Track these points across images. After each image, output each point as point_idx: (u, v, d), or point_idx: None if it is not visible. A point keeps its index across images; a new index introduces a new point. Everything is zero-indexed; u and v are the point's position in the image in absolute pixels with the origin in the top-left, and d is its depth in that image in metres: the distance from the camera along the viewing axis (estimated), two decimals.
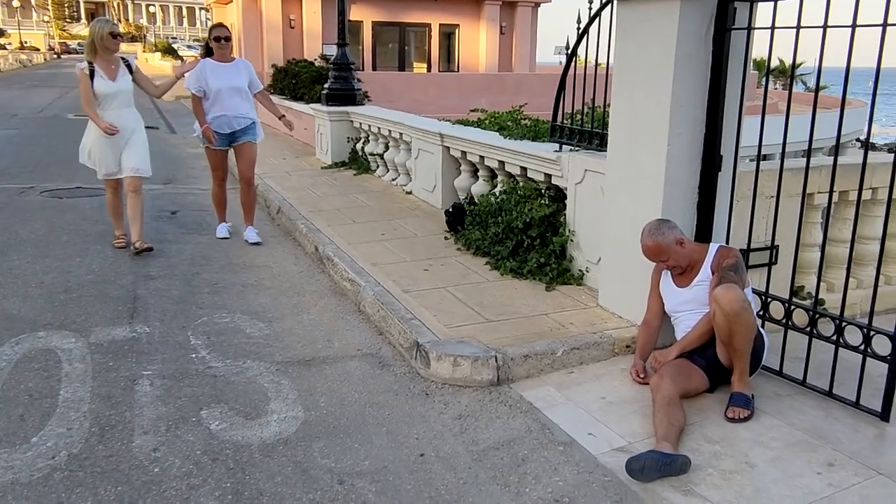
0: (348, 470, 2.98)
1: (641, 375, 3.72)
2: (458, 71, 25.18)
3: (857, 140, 27.46)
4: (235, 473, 2.93)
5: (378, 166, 9.05)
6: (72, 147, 6.38)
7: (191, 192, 8.78)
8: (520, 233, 5.19)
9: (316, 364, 4.01)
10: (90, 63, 5.67)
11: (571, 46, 4.96)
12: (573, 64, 4.95)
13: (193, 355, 4.04)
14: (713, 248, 3.72)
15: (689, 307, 3.71)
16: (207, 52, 6.23)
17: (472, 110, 7.97)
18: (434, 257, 5.54)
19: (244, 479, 2.89)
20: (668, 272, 3.80)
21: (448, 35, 25.46)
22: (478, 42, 25.42)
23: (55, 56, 57.50)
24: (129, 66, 5.92)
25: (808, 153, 3.52)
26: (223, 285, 5.25)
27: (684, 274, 3.74)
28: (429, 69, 25.26)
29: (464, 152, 6.59)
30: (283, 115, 6.67)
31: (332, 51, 11.28)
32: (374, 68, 23.84)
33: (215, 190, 6.65)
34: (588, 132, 4.89)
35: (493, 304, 4.53)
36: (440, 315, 4.33)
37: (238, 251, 6.22)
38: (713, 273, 3.62)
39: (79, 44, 72.79)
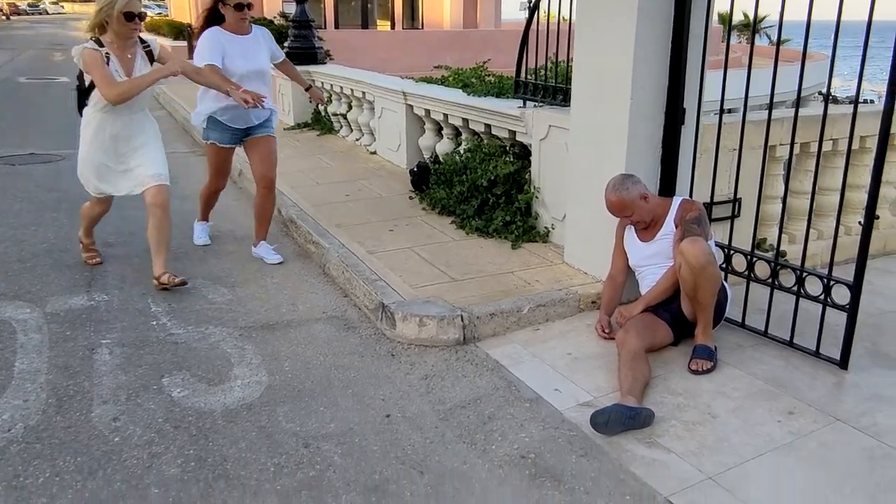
0: (314, 433, 2.96)
1: (607, 331, 3.74)
2: (422, 28, 24.81)
3: (820, 93, 27.72)
4: (198, 440, 2.89)
5: (342, 126, 8.90)
6: (25, 112, 6.12)
7: None
8: (485, 191, 5.15)
9: (280, 328, 3.96)
10: (97, 42, 4.14)
11: (534, 0, 4.87)
12: (536, 18, 4.87)
13: (154, 322, 3.96)
14: (676, 201, 3.72)
15: (653, 261, 3.72)
16: (212, 19, 4.64)
17: (435, 67, 7.84)
18: (399, 217, 5.48)
19: (207, 446, 2.85)
20: (632, 227, 3.80)
21: None
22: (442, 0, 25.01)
23: (4, 17, 55.40)
24: (150, 56, 4.41)
25: (770, 106, 3.52)
26: (185, 251, 5.15)
27: (648, 228, 3.74)
28: (392, 27, 24.84)
29: (427, 110, 6.50)
30: (311, 86, 5.35)
31: (292, 9, 10.99)
32: (336, 26, 23.36)
33: (207, 191, 5.25)
34: (552, 87, 4.83)
35: (459, 264, 4.50)
36: (406, 275, 4.30)
37: None
38: (676, 227, 3.62)
39: (30, 4, 70.07)
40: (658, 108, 3.88)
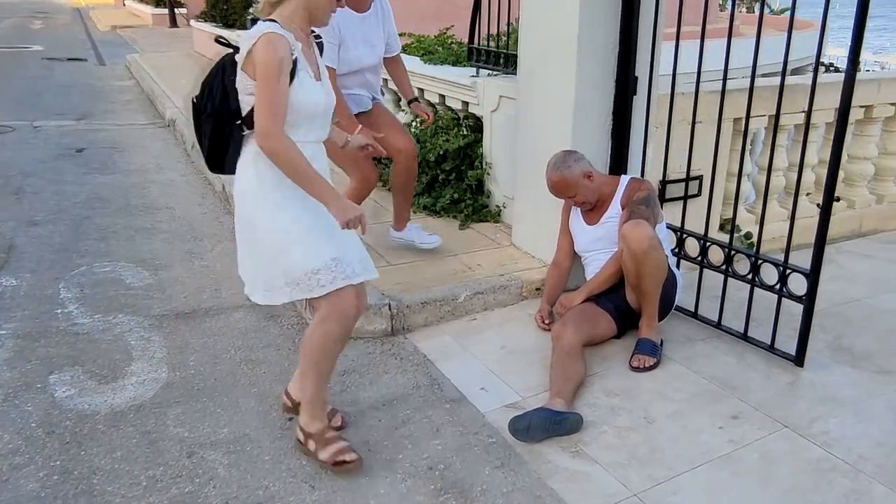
0: (202, 440, 2.66)
1: (547, 321, 3.43)
2: None
3: (822, 63, 27.16)
4: (69, 449, 2.59)
5: None
6: None
7: (104, 128, 8.18)
8: (434, 167, 4.80)
9: (197, 316, 3.65)
10: (276, 34, 2.20)
11: None
12: None
13: (59, 311, 3.65)
14: (624, 180, 3.38)
15: (599, 246, 3.39)
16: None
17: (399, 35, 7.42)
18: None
19: (78, 455, 2.55)
20: (578, 209, 3.48)
21: None
22: None
23: None
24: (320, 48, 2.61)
25: (725, 76, 3.16)
26: (114, 230, 4.82)
27: (594, 210, 3.41)
28: None
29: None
30: (416, 99, 4.08)
31: None
32: None
33: (359, 189, 3.84)
34: (504, 54, 4.47)
35: (399, 246, 4.17)
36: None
37: (141, 191, 5.76)
38: (623, 208, 3.29)
39: None
40: (608, 76, 3.53)
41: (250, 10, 9.33)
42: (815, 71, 2.85)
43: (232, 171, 2.41)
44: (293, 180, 2.28)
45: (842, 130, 2.72)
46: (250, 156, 2.35)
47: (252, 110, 2.25)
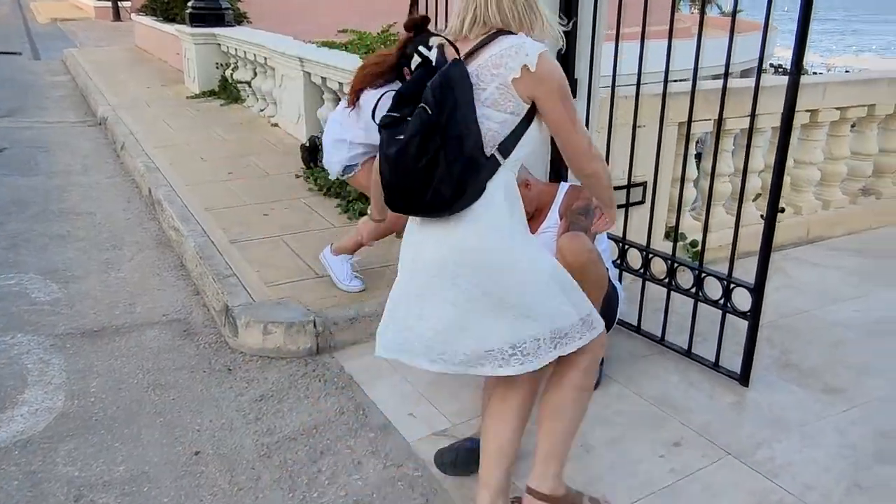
0: (94, 480, 2.39)
1: None
2: None
3: (771, 65, 27.54)
4: None
5: (248, 95, 8.19)
6: None
7: (31, 126, 7.75)
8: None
9: (106, 335, 3.35)
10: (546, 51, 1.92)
11: None
12: None
13: None
14: (563, 187, 3.19)
15: None
16: (399, 67, 3.15)
17: (340, 31, 7.16)
18: (280, 199, 4.88)
19: None
20: None
21: None
22: None
23: None
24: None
25: (666, 78, 3.00)
26: (27, 237, 4.48)
27: (531, 220, 3.21)
28: None
29: (324, 78, 5.86)
30: None
31: None
32: None
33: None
34: None
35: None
36: (264, 270, 3.72)
37: (62, 195, 5.40)
38: (562, 218, 3.10)
39: None
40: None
41: (189, 4, 8.98)
42: (759, 74, 2.69)
43: (461, 208, 1.88)
44: (607, 196, 2.16)
45: (786, 138, 2.58)
46: (501, 187, 1.92)
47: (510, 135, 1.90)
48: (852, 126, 4.63)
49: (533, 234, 3.15)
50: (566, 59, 3.27)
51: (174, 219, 4.48)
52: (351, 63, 5.33)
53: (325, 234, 4.23)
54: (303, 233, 4.27)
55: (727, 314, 2.90)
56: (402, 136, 1.81)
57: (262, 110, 7.66)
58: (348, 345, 3.26)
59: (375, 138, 2.39)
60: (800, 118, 4.25)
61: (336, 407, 2.83)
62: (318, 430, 2.68)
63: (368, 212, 3.46)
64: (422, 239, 1.97)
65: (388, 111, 1.89)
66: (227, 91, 8.51)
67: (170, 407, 2.82)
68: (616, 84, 3.19)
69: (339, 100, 5.76)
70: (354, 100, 3.36)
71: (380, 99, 2.18)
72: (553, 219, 3.12)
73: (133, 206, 5.21)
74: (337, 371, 3.08)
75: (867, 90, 4.46)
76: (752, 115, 2.71)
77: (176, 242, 4.38)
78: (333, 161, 3.56)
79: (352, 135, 3.43)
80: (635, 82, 3.12)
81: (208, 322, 3.51)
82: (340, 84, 5.53)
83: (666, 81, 2.97)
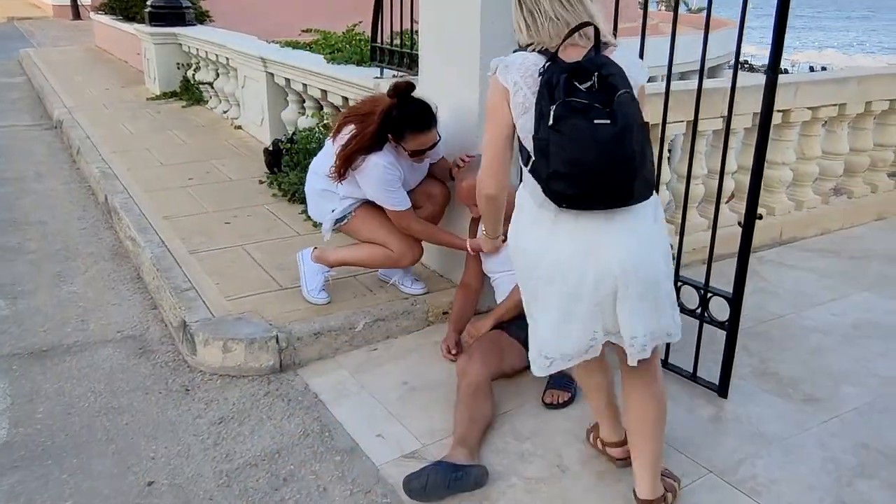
0: None
1: (454, 352, 3.10)
2: None
3: (744, 63, 27.73)
4: None
5: (211, 97, 7.98)
6: None
7: None
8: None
9: (55, 354, 3.17)
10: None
11: None
12: None
13: None
14: None
15: (508, 267, 3.07)
16: (381, 133, 3.07)
17: (304, 30, 6.99)
18: (243, 206, 4.71)
19: None
20: None
21: None
22: None
23: None
24: None
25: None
26: None
27: (505, 225, 3.10)
28: None
29: (288, 80, 5.69)
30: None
31: None
32: None
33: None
34: (409, 54, 4.12)
35: (296, 265, 3.78)
36: (225, 283, 3.56)
37: (14, 202, 5.18)
38: None
39: None
40: None
41: (148, 3, 8.72)
42: (735, 73, 2.60)
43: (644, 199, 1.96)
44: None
45: (763, 140, 2.50)
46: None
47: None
48: (822, 125, 4.59)
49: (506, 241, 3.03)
50: None
51: (131, 228, 4.29)
52: (316, 63, 5.19)
53: (289, 243, 4.08)
54: (265, 241, 4.11)
55: (704, 324, 2.81)
56: (604, 122, 1.80)
57: (225, 112, 7.46)
58: (313, 360, 3.13)
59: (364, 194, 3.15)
60: (773, 118, 4.18)
61: (300, 428, 2.69)
62: (280, 455, 2.54)
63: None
64: (597, 240, 1.94)
65: (566, 96, 1.81)
66: (189, 92, 8.28)
67: (122, 433, 2.65)
68: None
69: (304, 101, 5.61)
70: (343, 169, 3.12)
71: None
72: None
73: (88, 215, 5.00)
74: (301, 389, 2.94)
75: (838, 89, 4.42)
76: (729, 115, 2.63)
77: (133, 253, 4.20)
78: (325, 214, 3.34)
79: (344, 190, 3.25)
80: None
81: (166, 338, 3.34)
82: (305, 85, 5.38)
83: None
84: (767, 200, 4.46)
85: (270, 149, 5.27)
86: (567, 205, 1.89)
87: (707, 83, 3.36)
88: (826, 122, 4.57)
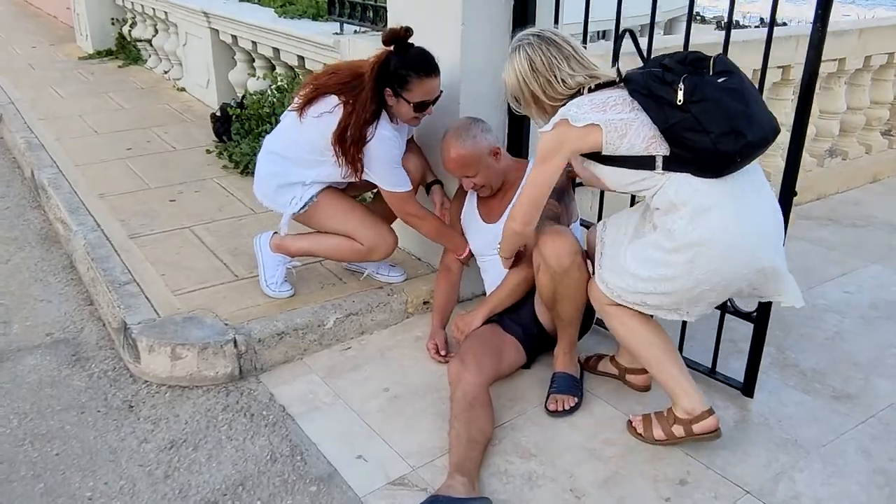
0: None
1: (442, 353, 2.73)
2: None
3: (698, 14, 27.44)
4: None
5: (150, 55, 7.33)
6: None
7: None
8: None
9: None
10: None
11: None
12: None
13: None
14: (530, 166, 2.70)
15: (496, 250, 2.70)
16: (378, 88, 2.60)
17: None
18: (189, 181, 4.21)
19: None
20: (473, 198, 2.77)
21: None
22: None
23: None
24: None
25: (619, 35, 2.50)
26: None
27: (494, 199, 2.71)
28: None
29: (234, 37, 5.14)
30: (438, 182, 2.98)
31: None
32: None
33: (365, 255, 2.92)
34: (373, 6, 3.64)
35: (253, 250, 3.33)
36: (171, 273, 3.10)
37: None
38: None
39: None
40: (501, 36, 2.81)
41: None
42: (771, 29, 2.23)
43: None
44: None
45: (805, 107, 2.15)
46: None
47: None
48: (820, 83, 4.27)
49: (496, 219, 2.68)
50: (524, 9, 2.76)
51: (61, 208, 3.78)
52: (265, 19, 4.66)
53: (243, 223, 3.63)
54: (217, 222, 3.65)
55: (726, 314, 2.48)
56: (722, 77, 1.94)
57: (166, 72, 6.85)
58: (277, 364, 2.72)
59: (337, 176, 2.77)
60: (772, 75, 3.86)
61: (267, 451, 2.30)
62: (245, 487, 2.15)
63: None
64: (733, 216, 1.97)
65: (677, 76, 1.94)
66: (126, 51, 7.61)
67: (52, 466, 2.22)
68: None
69: (254, 60, 5.10)
70: (356, 157, 2.64)
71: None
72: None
73: (13, 193, 4.45)
74: (265, 401, 2.54)
75: (838, 43, 4.09)
76: (764, 71, 2.28)
77: (64, 238, 3.70)
78: (282, 205, 2.86)
79: (315, 174, 2.78)
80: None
81: (104, 342, 2.89)
82: (254, 44, 4.85)
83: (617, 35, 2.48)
84: (763, 164, 4.14)
85: (218, 114, 4.76)
86: (743, 158, 1.91)
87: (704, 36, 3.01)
88: (823, 78, 4.26)
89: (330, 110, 2.63)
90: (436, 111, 2.81)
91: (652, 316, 2.23)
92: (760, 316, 2.39)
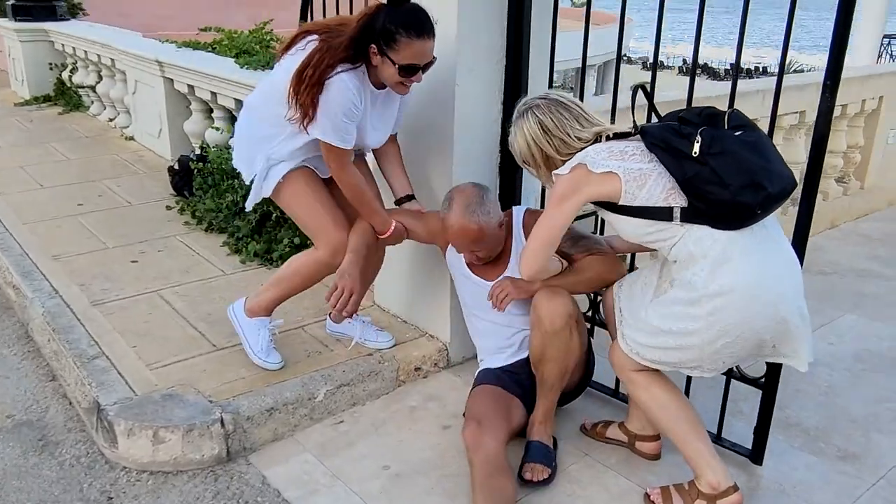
0: None
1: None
2: None
3: (627, 56, 28.23)
4: None
5: (93, 102, 7.06)
6: None
7: None
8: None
9: None
10: None
11: None
12: None
13: None
14: (517, 215, 2.61)
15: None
16: (360, 42, 2.33)
17: (201, 30, 6.25)
18: (150, 238, 4.00)
19: None
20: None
21: None
22: None
23: None
24: None
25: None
26: None
27: (491, 262, 2.60)
28: None
29: (191, 86, 4.98)
30: (412, 197, 2.74)
31: None
32: None
33: (318, 264, 2.68)
34: None
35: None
36: (143, 345, 2.91)
37: None
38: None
39: None
40: (494, 95, 2.77)
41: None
42: (780, 78, 2.26)
43: None
44: None
45: (815, 170, 2.17)
46: None
47: None
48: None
49: (494, 276, 2.57)
50: (518, 71, 2.73)
51: (12, 272, 3.53)
52: (227, 69, 4.54)
53: (214, 286, 3.45)
54: (185, 284, 3.46)
55: (732, 380, 2.46)
56: (737, 131, 1.95)
57: (111, 120, 6.59)
58: (267, 443, 2.56)
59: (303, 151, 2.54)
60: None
61: None
62: None
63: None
64: (754, 266, 1.96)
65: (694, 129, 1.95)
66: (66, 96, 7.32)
67: None
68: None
69: (212, 111, 4.94)
70: (309, 97, 2.31)
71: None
72: (518, 251, 2.52)
73: None
74: (258, 485, 2.37)
75: (799, 96, 4.23)
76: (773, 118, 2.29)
77: (18, 305, 3.44)
78: (253, 166, 2.59)
79: (278, 150, 2.51)
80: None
81: (73, 423, 2.67)
82: (214, 94, 4.70)
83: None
84: None
85: (177, 167, 4.57)
86: (763, 210, 1.91)
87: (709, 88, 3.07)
88: (786, 129, 4.38)
89: (303, 47, 2.38)
90: (432, 160, 2.74)
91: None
92: (769, 382, 2.36)
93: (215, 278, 3.54)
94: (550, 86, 2.78)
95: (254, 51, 5.07)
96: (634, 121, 2.10)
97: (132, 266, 3.65)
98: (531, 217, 2.56)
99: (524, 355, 2.55)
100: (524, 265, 2.20)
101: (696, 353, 2.03)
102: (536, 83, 2.76)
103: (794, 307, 2.00)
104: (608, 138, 2.11)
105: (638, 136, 2.05)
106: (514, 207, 2.68)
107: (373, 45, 2.31)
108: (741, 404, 2.69)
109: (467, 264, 2.62)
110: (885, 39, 14.19)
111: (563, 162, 2.12)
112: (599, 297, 2.74)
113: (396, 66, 2.31)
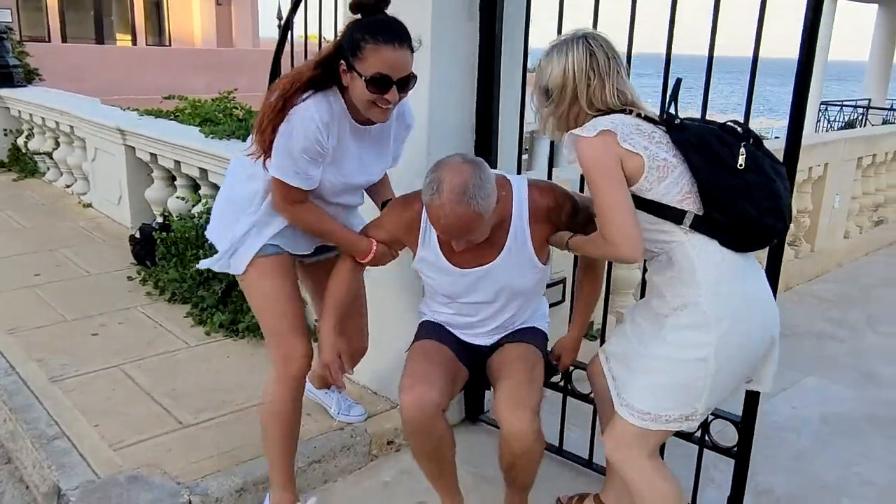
0: None
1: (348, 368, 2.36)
2: (169, 45, 22.34)
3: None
4: None
5: (48, 168, 6.96)
6: None
7: None
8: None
9: None
10: None
11: (285, 16, 3.63)
12: (290, 40, 3.64)
13: None
14: (519, 188, 2.21)
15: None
16: (322, 79, 2.08)
17: (165, 98, 6.27)
18: (111, 310, 3.92)
19: None
20: (437, 244, 2.23)
21: (156, 3, 22.41)
22: (191, 12, 22.72)
23: None
24: None
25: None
26: None
27: (479, 246, 2.17)
28: (134, 42, 22.09)
29: (154, 154, 4.96)
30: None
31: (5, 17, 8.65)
32: (63, 39, 20.16)
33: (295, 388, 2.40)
34: None
35: (194, 390, 3.10)
36: (106, 423, 2.82)
37: None
38: (553, 225, 2.21)
39: None
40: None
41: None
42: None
43: None
44: None
45: None
46: None
47: None
48: None
49: (483, 262, 2.23)
50: (487, 150, 2.79)
51: None
52: (191, 138, 4.55)
53: (178, 359, 3.38)
54: (148, 358, 3.38)
55: (704, 449, 2.48)
56: (780, 171, 1.92)
57: (68, 186, 6.51)
58: None
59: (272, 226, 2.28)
60: None
61: None
62: None
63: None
64: (748, 289, 1.94)
65: (737, 140, 1.88)
66: (21, 163, 7.22)
67: None
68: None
69: (175, 178, 4.92)
70: (271, 125, 2.02)
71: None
72: (521, 231, 2.20)
73: None
74: None
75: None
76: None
77: None
78: (223, 238, 2.29)
79: (250, 217, 2.22)
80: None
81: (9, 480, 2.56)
82: (177, 163, 4.68)
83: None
84: None
85: (138, 236, 4.51)
86: (774, 237, 1.92)
87: None
88: None
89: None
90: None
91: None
92: (741, 451, 2.39)
93: (180, 350, 3.47)
94: (523, 105, 2.77)
95: (218, 119, 5.10)
96: (669, 111, 1.93)
97: (93, 339, 3.55)
98: (542, 196, 2.20)
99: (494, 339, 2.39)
100: (630, 250, 1.83)
101: (705, 388, 1.90)
102: (507, 159, 2.83)
103: (776, 327, 1.99)
104: (638, 115, 1.91)
105: (664, 128, 1.90)
106: (511, 177, 2.25)
107: (342, 62, 2.03)
108: (712, 472, 2.71)
109: (444, 252, 2.22)
110: (822, 105, 14.87)
111: (585, 114, 1.92)
112: (573, 368, 2.75)
113: (363, 77, 1.99)
